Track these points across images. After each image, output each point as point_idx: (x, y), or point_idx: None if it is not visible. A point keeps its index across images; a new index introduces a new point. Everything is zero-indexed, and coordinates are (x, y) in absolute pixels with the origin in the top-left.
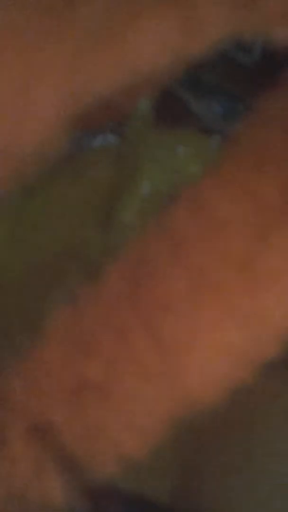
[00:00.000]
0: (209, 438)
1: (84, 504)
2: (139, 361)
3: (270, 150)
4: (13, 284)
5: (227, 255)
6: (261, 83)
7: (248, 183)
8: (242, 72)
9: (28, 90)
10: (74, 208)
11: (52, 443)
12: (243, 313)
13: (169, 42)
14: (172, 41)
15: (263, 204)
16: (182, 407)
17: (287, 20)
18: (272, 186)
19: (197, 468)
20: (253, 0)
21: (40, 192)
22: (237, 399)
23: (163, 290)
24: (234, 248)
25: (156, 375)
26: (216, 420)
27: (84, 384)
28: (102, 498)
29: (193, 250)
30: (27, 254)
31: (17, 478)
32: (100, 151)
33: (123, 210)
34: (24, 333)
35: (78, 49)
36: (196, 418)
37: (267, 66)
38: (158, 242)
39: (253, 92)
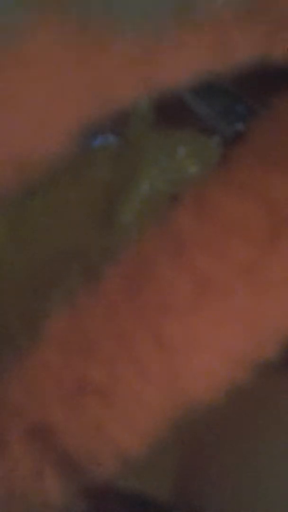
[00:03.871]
0: (209, 438)
1: (83, 504)
2: (140, 361)
3: (280, 152)
4: (13, 284)
5: (231, 258)
6: (262, 83)
7: (256, 185)
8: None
9: (51, 104)
10: (74, 208)
11: (51, 443)
12: (245, 315)
13: (199, 65)
14: (202, 64)
15: (270, 207)
16: (183, 407)
17: None
18: (281, 190)
19: (197, 468)
20: (283, 28)
21: (40, 192)
22: (237, 399)
23: (164, 291)
24: (239, 250)
25: (156, 376)
26: (216, 420)
27: (84, 385)
28: (102, 498)
29: (196, 251)
30: (27, 254)
31: (17, 478)
32: (100, 151)
33: (123, 210)
34: (24, 333)
35: (102, 73)
36: (196, 418)
37: (268, 66)
38: (160, 243)
39: (253, 92)
